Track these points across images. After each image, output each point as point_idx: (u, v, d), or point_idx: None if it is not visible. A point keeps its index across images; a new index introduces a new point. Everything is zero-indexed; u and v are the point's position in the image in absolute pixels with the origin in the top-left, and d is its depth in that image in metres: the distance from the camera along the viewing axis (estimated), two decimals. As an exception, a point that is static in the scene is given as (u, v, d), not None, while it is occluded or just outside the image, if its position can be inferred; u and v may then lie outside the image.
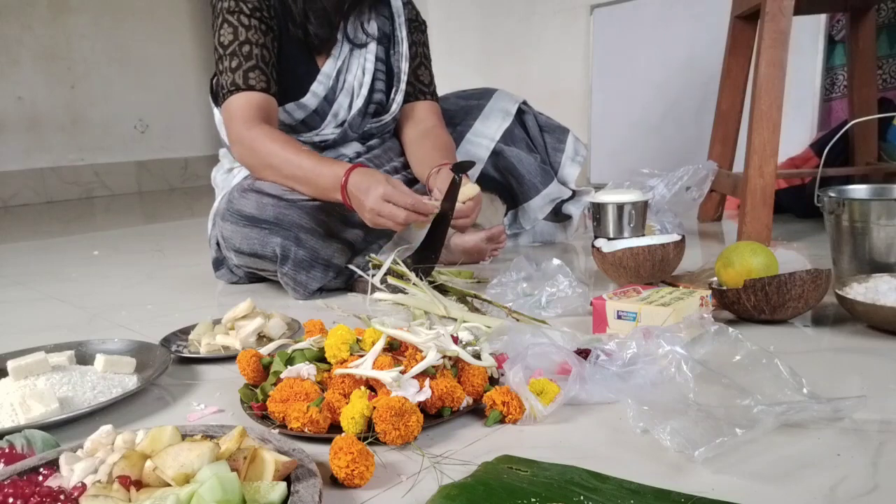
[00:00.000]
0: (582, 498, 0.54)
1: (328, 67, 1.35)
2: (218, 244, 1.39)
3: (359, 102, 1.38)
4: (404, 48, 1.43)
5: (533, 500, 0.53)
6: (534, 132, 1.64)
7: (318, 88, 1.35)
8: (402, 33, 1.43)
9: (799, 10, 1.44)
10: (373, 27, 1.40)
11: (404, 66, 1.43)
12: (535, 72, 3.02)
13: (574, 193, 1.65)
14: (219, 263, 1.43)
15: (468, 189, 1.22)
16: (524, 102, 1.64)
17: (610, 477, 0.58)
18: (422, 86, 1.48)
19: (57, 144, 3.65)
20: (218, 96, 1.37)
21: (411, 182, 1.45)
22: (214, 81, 1.44)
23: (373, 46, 1.39)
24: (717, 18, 2.10)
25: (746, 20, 1.72)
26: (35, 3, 3.52)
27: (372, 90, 1.40)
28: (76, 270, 1.73)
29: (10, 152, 3.50)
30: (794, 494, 0.55)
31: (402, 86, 1.43)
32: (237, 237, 1.26)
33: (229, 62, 1.26)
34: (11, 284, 1.61)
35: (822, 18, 2.11)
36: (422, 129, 1.45)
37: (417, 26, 1.48)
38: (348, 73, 1.38)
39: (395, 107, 1.44)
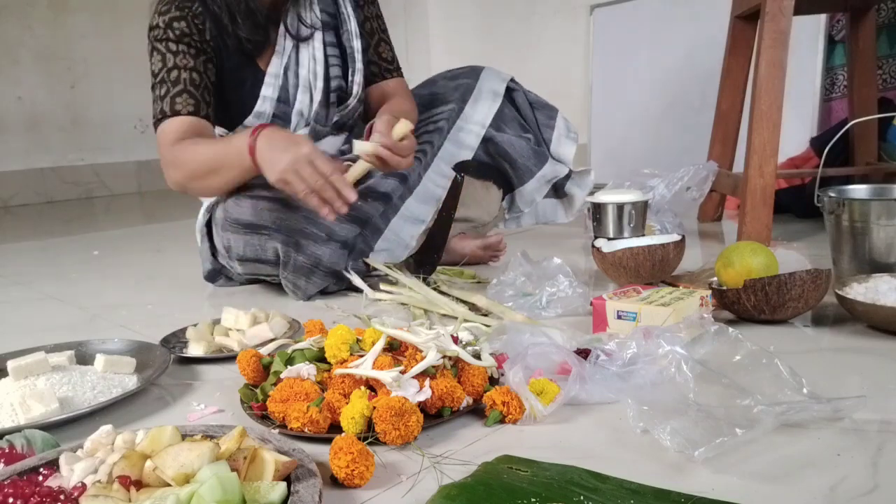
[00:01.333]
0: (582, 498, 0.54)
1: (273, 67, 1.31)
2: (214, 255, 1.38)
3: (318, 95, 1.34)
4: (353, 25, 1.36)
5: (533, 500, 0.53)
6: (524, 109, 1.56)
7: (268, 91, 1.31)
8: (348, 10, 1.36)
9: (799, 10, 1.44)
10: (313, 16, 1.32)
11: (357, 45, 1.36)
12: (535, 72, 3.01)
13: (571, 172, 1.58)
14: (215, 274, 1.41)
15: (400, 126, 1.15)
16: (512, 80, 1.56)
17: (610, 477, 0.58)
18: (385, 63, 1.42)
19: (57, 144, 3.64)
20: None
21: None
22: None
23: (319, 35, 1.33)
24: (717, 18, 2.10)
25: (746, 20, 1.72)
26: (35, 3, 3.51)
27: (329, 77, 1.35)
28: (76, 270, 1.73)
29: (10, 152, 3.50)
30: (794, 494, 0.55)
31: (359, 65, 1.37)
32: (239, 245, 1.26)
33: (159, 90, 1.24)
34: (11, 284, 1.61)
35: (822, 18, 2.11)
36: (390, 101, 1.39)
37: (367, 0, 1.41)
38: (300, 68, 1.33)
39: (356, 88, 1.38)
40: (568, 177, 1.56)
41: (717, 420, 0.65)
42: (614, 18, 2.74)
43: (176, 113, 1.22)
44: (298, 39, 1.32)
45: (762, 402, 0.65)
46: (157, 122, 1.25)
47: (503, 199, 1.58)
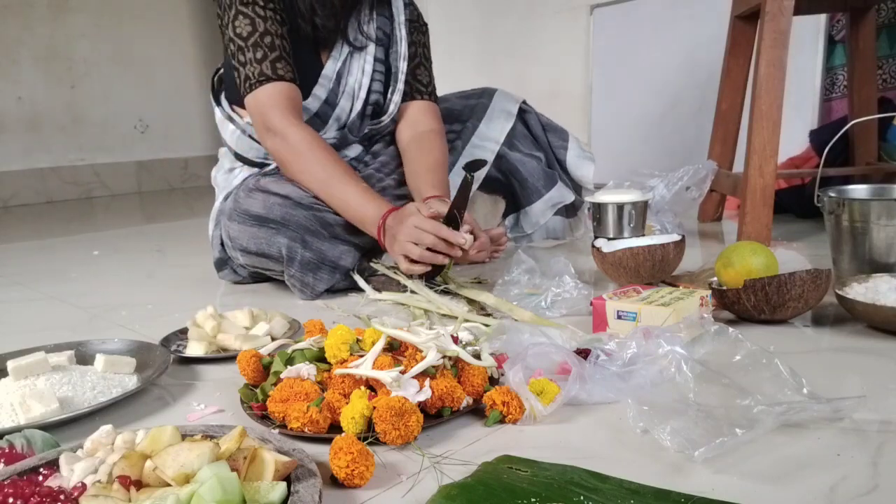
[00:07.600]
0: (582, 498, 0.54)
1: (328, 69, 1.35)
2: (222, 244, 1.39)
3: (358, 105, 1.37)
4: (403, 48, 1.41)
5: (533, 500, 0.53)
6: (536, 131, 1.64)
7: (319, 91, 1.34)
8: (402, 33, 1.41)
9: (799, 10, 1.44)
10: (371, 29, 1.38)
11: (402, 66, 1.41)
12: (535, 72, 3.01)
13: (582, 194, 1.66)
14: (222, 263, 1.43)
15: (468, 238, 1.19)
16: (524, 102, 1.65)
17: (610, 477, 0.58)
18: (419, 85, 1.46)
19: (57, 144, 3.65)
20: (220, 94, 1.36)
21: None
22: (216, 79, 1.42)
23: (371, 48, 1.38)
24: (717, 18, 2.10)
25: (746, 20, 1.72)
26: (35, 3, 3.52)
27: (369, 91, 1.39)
28: (76, 270, 1.73)
29: (10, 152, 3.50)
30: (794, 494, 0.55)
31: (400, 86, 1.41)
32: (244, 236, 1.26)
33: (253, 53, 1.24)
34: (11, 284, 1.61)
35: (822, 18, 2.11)
36: (418, 132, 1.42)
37: (418, 27, 1.47)
38: (349, 76, 1.37)
39: (392, 107, 1.41)
40: (581, 200, 1.66)
41: (717, 420, 0.65)
42: (614, 18, 2.74)
43: (280, 77, 1.24)
44: (354, 48, 1.36)
45: (762, 402, 0.65)
46: (257, 83, 1.24)
47: (507, 215, 1.64)
